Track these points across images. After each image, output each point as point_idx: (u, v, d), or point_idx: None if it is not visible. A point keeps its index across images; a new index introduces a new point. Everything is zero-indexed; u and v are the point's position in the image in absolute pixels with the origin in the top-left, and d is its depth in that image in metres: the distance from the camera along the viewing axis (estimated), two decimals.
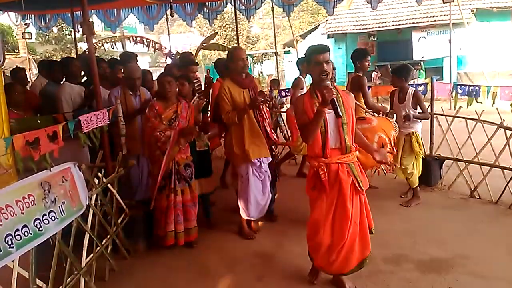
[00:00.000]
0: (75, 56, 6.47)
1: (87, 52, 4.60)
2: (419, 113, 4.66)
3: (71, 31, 17.23)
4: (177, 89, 3.91)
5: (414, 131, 4.71)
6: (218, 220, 4.64)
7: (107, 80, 4.98)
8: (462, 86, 5.21)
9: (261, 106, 3.94)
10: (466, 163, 5.14)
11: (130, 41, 9.15)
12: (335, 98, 2.70)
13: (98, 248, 3.35)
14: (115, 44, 9.39)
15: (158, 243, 3.92)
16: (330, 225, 2.94)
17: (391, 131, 4.15)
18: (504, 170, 4.76)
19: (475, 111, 5.08)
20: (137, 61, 5.42)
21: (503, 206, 4.63)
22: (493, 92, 4.74)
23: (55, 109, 4.47)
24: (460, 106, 5.15)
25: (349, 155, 2.92)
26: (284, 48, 22.87)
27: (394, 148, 4.25)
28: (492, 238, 3.91)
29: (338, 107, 2.73)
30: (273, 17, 11.25)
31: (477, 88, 5.14)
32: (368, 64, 5.01)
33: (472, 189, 4.98)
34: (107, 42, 9.13)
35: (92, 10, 8.51)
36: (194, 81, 5.11)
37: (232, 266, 3.66)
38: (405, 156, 4.75)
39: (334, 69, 5.04)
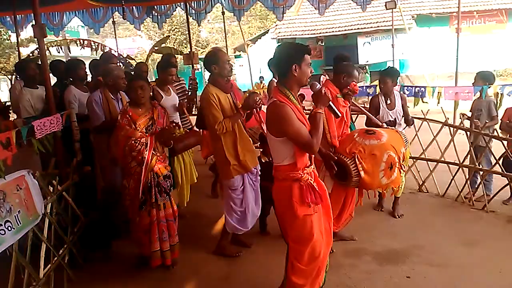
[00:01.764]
0: (29, 60, 6.16)
1: (35, 55, 4.42)
2: (401, 120, 4.49)
3: (10, 36, 16.34)
4: (151, 94, 3.66)
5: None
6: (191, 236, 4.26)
7: (86, 83, 4.82)
8: (409, 88, 5.52)
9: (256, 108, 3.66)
10: (414, 160, 5.45)
11: (77, 44, 8.86)
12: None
13: (56, 258, 3.23)
14: (61, 47, 9.05)
15: (144, 264, 3.57)
16: (328, 230, 2.75)
17: (401, 147, 3.56)
18: (450, 165, 5.10)
19: (421, 110, 5.40)
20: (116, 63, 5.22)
21: (450, 199, 4.97)
22: (438, 92, 5.07)
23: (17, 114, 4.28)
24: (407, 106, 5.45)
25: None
26: (234, 53, 23.00)
27: (403, 166, 4.04)
28: (441, 229, 4.19)
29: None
30: (224, 22, 11.30)
31: (422, 89, 5.48)
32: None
33: (420, 184, 5.29)
34: (52, 46, 8.77)
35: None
36: (177, 84, 5.01)
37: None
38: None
39: None
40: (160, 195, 3.45)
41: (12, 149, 2.90)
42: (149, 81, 5.24)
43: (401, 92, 4.71)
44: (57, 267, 3.25)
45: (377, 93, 4.61)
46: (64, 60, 5.55)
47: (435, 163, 5.20)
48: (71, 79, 4.71)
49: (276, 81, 5.49)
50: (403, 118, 4.55)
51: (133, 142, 3.34)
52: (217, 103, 3.45)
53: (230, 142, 3.55)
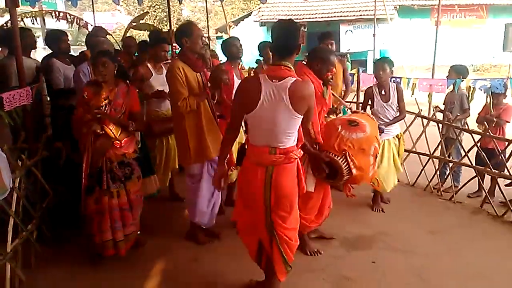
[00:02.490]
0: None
1: (8, 26, 4.26)
2: (396, 114, 4.36)
3: None
4: (115, 71, 3.31)
5: (400, 132, 4.51)
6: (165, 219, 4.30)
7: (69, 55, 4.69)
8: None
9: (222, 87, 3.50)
10: None
11: (52, 16, 8.57)
12: None
13: (24, 233, 3.19)
14: (35, 19, 8.73)
15: (95, 251, 3.38)
16: None
17: (378, 134, 3.47)
18: (420, 155, 5.24)
19: None
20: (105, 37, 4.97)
21: (419, 188, 5.12)
22: (413, 83, 5.16)
23: (5, 83, 4.10)
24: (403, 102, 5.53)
25: None
26: (216, 33, 22.72)
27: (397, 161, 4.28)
28: (409, 217, 4.33)
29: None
30: (206, 1, 11.15)
31: (398, 79, 5.56)
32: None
33: None
34: (26, 17, 8.45)
35: None
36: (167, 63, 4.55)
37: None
38: (392, 161, 4.39)
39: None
40: (113, 182, 3.25)
41: None
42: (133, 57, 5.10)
43: (398, 84, 4.60)
44: (25, 242, 3.21)
45: (371, 85, 4.50)
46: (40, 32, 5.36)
47: (407, 153, 5.33)
48: (52, 52, 4.56)
49: (263, 62, 5.32)
50: (398, 111, 4.38)
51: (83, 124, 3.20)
52: (183, 78, 3.24)
53: (193, 124, 3.35)
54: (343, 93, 5.18)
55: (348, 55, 17.29)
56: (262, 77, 2.48)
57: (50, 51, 4.66)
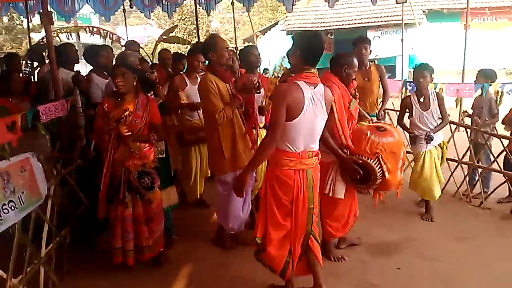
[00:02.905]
0: (69, 43, 6.22)
1: (44, 42, 4.49)
2: (439, 120, 4.25)
3: (22, 21, 16.49)
4: (134, 83, 3.31)
5: (443, 140, 4.42)
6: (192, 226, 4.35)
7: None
8: (412, 83, 5.51)
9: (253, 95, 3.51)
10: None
11: (86, 32, 8.94)
12: None
13: (57, 238, 3.34)
14: (70, 34, 9.14)
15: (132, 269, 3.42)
16: None
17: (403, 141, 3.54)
18: (449, 161, 5.12)
19: None
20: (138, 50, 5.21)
21: (448, 194, 5.01)
22: (440, 88, 5.08)
23: (46, 95, 4.29)
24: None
25: None
26: (244, 44, 22.96)
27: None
28: (436, 223, 4.26)
29: None
30: (233, 12, 11.31)
31: None
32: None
33: None
34: (62, 33, 8.87)
35: None
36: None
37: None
38: (434, 171, 4.29)
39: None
40: (128, 193, 3.26)
41: (17, 132, 3.00)
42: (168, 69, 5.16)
43: (437, 91, 4.46)
44: (58, 247, 3.36)
45: (408, 94, 4.43)
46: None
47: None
48: (91, 67, 4.70)
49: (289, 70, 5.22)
50: (440, 119, 4.25)
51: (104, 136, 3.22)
52: (216, 90, 3.31)
53: (227, 134, 3.40)
54: (379, 102, 5.00)
55: (376, 61, 17.17)
56: (302, 83, 2.56)
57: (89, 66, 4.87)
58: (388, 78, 6.23)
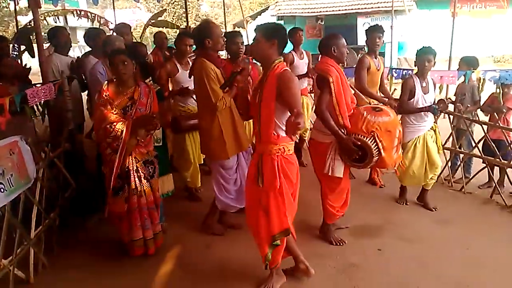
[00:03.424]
0: (60, 26, 6.04)
1: (31, 25, 4.46)
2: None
3: (9, 4, 16.18)
4: (134, 70, 3.24)
5: (434, 123, 4.37)
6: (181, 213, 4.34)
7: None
8: (397, 70, 5.61)
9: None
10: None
11: (73, 15, 8.84)
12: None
13: (47, 220, 3.40)
14: (57, 18, 9.04)
15: (124, 252, 3.44)
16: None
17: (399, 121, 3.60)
18: None
19: None
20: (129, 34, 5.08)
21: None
22: None
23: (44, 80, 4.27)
24: (395, 89, 5.57)
25: (265, 144, 2.76)
26: (234, 29, 22.82)
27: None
28: (417, 207, 4.39)
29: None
30: None
31: (410, 71, 5.57)
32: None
33: (402, 164, 5.43)
34: (49, 16, 8.75)
35: None
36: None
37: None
38: (426, 157, 4.22)
39: None
40: (139, 181, 3.26)
41: (5, 115, 3.03)
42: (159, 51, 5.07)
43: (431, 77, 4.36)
44: (47, 229, 3.42)
45: (410, 75, 4.32)
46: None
47: None
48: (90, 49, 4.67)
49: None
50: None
51: (108, 126, 3.09)
52: (215, 78, 3.30)
53: (227, 120, 3.41)
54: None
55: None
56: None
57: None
58: None
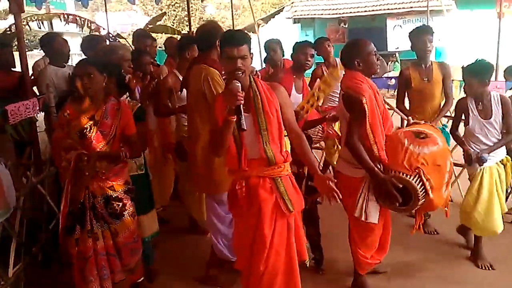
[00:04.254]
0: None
1: (13, 31, 4.55)
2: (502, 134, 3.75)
3: None
4: (103, 84, 3.08)
5: (507, 156, 3.93)
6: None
7: None
8: None
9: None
10: None
11: (60, 19, 9.04)
12: (240, 105, 2.46)
13: (27, 256, 3.43)
14: (42, 23, 9.25)
15: None
16: (248, 250, 2.75)
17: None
18: None
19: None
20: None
21: None
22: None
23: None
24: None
25: (275, 168, 2.69)
26: None
27: None
28: (458, 237, 4.33)
29: (243, 118, 2.47)
30: None
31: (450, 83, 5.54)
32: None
33: None
34: (32, 21, 8.97)
35: None
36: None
37: None
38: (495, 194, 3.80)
39: None
40: (97, 221, 3.04)
41: None
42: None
43: (503, 95, 3.96)
44: (28, 266, 3.45)
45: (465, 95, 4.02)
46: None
47: (461, 168, 5.28)
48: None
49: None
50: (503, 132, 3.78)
51: (62, 153, 2.98)
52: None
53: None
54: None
55: (397, 54, 17.28)
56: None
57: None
58: None
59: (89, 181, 3.01)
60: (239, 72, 2.56)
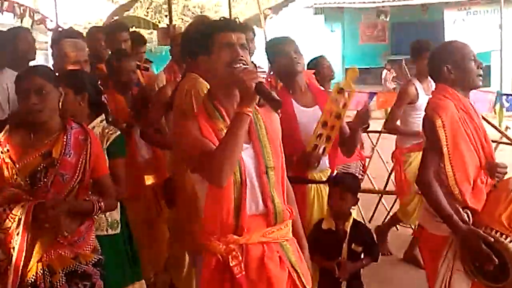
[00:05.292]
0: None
1: None
2: None
3: None
4: (59, 103, 2.80)
5: None
6: None
7: None
8: (510, 97, 5.59)
9: None
10: None
11: None
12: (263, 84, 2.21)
13: None
14: None
15: None
16: None
17: None
18: None
19: None
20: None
21: None
22: None
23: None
24: (507, 127, 5.55)
25: (281, 228, 2.43)
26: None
27: None
28: None
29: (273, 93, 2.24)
30: None
31: None
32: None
33: None
34: None
35: None
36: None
37: None
38: None
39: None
40: None
41: None
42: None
43: None
44: None
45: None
46: None
47: None
48: None
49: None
50: None
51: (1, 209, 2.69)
52: None
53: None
54: None
55: None
56: None
57: None
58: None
59: (47, 251, 2.75)
60: (240, 64, 2.28)
